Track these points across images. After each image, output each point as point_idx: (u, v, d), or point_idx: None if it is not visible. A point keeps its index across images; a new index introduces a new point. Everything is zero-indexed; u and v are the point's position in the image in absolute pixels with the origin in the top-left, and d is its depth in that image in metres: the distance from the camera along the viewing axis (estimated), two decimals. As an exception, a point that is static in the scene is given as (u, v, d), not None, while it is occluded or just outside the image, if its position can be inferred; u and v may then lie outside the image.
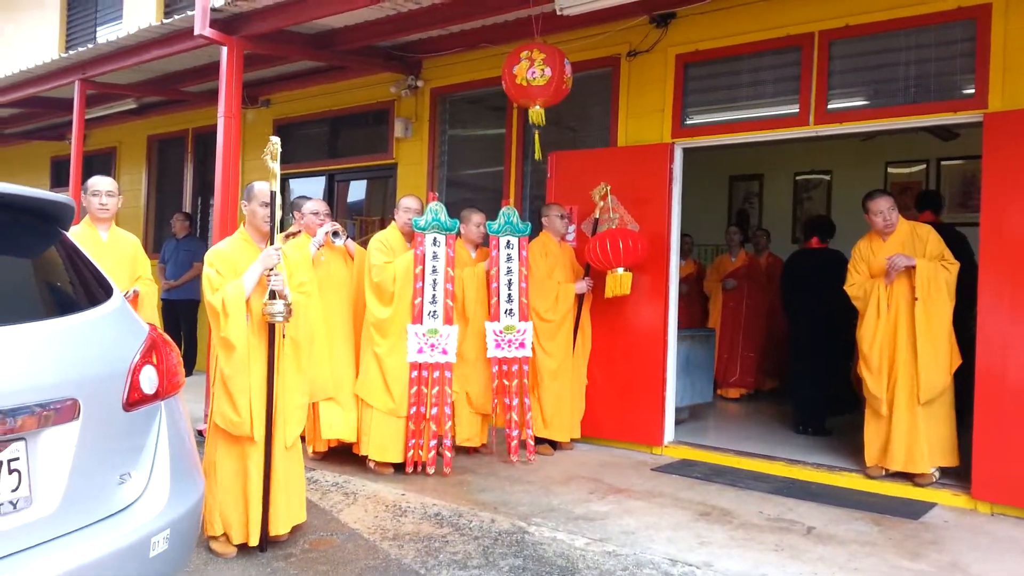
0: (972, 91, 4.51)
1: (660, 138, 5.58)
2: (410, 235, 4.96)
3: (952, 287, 4.58)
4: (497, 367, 5.15)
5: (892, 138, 8.07)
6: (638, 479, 4.90)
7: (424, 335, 4.79)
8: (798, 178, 9.74)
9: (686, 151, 5.59)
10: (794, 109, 5.09)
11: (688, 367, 6.10)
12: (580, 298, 5.60)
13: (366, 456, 4.87)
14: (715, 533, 3.90)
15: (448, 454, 4.86)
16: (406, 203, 5.07)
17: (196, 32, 5.62)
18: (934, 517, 4.28)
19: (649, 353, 5.57)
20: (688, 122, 5.55)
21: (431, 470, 4.78)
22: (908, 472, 4.67)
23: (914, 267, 4.58)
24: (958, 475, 4.63)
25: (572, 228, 5.85)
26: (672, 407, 5.68)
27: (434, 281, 4.85)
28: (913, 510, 4.37)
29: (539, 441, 5.54)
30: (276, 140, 3.55)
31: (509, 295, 5.18)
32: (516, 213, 5.23)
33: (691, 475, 5.03)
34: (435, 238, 4.86)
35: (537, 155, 5.34)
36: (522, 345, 5.19)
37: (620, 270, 5.28)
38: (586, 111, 6.07)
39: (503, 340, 5.14)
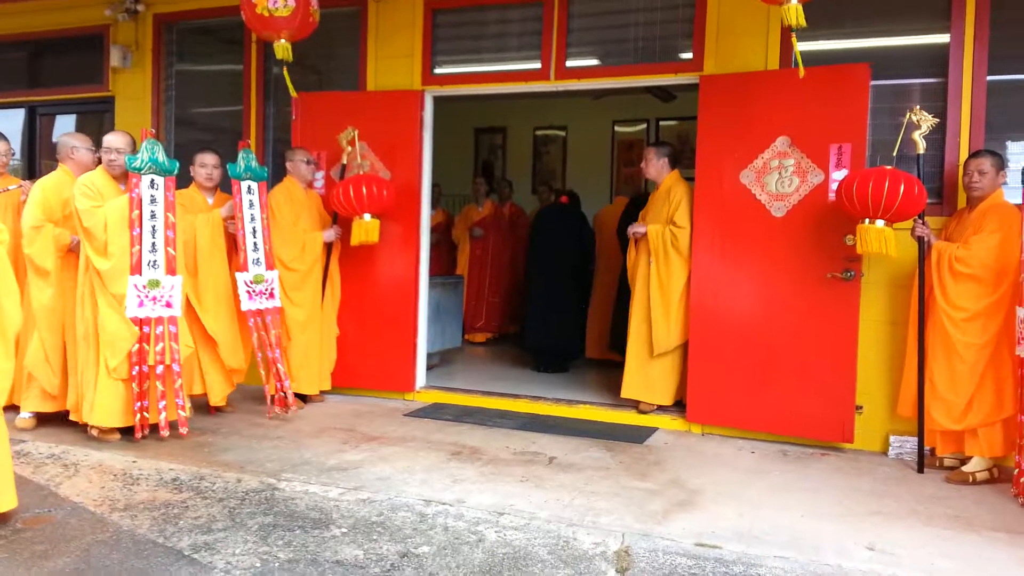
0: (691, 55, 4.96)
1: (410, 85, 5.51)
2: (121, 177, 4.48)
3: (682, 249, 4.94)
4: (254, 320, 4.88)
5: (619, 98, 8.72)
6: (391, 426, 4.92)
7: (144, 287, 4.35)
8: (537, 132, 10.21)
9: (436, 100, 5.58)
10: (536, 64, 5.27)
11: (439, 314, 6.20)
12: (329, 247, 5.43)
13: (88, 424, 4.38)
14: (466, 471, 4.04)
15: (182, 414, 4.49)
16: (108, 140, 4.48)
17: None
18: (656, 440, 4.78)
19: (401, 301, 5.57)
20: (438, 70, 5.54)
21: (165, 433, 4.42)
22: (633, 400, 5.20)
23: (645, 234, 5.00)
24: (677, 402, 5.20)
25: (320, 175, 5.62)
26: (424, 353, 5.76)
27: (153, 228, 4.39)
28: (639, 435, 4.85)
29: (289, 396, 5.36)
30: None
31: (255, 243, 4.91)
32: (253, 156, 4.92)
33: (442, 418, 5.16)
34: (152, 179, 4.40)
35: (292, 92, 5.04)
36: (272, 295, 4.99)
37: (367, 217, 5.18)
38: (333, 52, 5.82)
39: (255, 291, 4.88)
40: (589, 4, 5.18)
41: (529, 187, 9.89)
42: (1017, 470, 3.83)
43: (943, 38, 4.49)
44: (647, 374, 5.12)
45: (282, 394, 4.98)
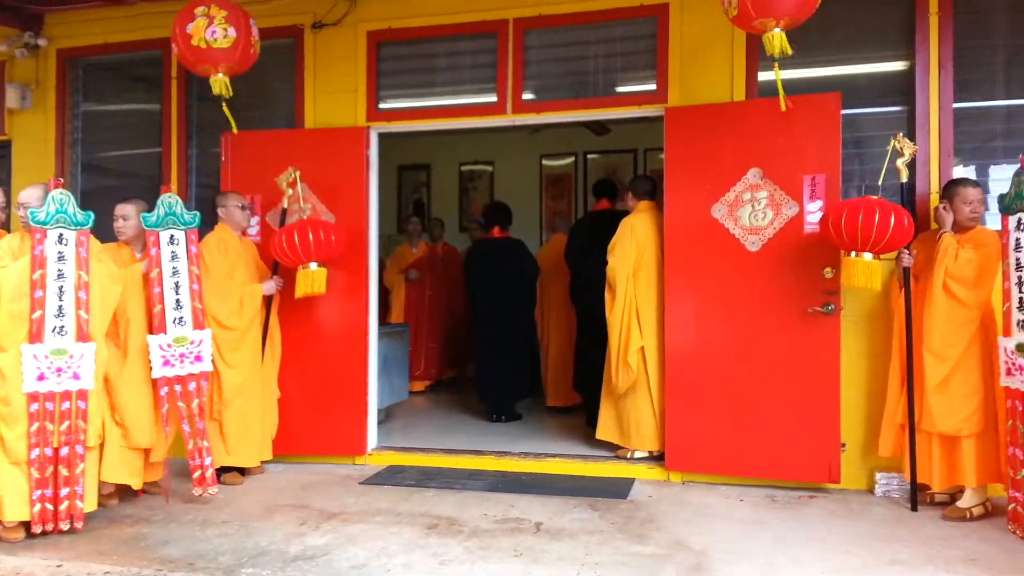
0: (654, 87, 4.77)
1: (354, 121, 5.11)
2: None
3: (610, 282, 4.88)
4: (167, 388, 4.26)
5: (548, 131, 8.54)
6: (350, 498, 4.43)
7: (47, 357, 3.77)
8: (463, 168, 9.92)
9: (382, 136, 5.20)
10: (492, 98, 4.98)
11: (387, 365, 5.75)
12: (268, 300, 4.92)
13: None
14: (450, 547, 3.62)
15: (80, 504, 3.82)
16: (23, 196, 4.00)
17: None
18: (639, 493, 4.48)
19: (349, 355, 5.10)
20: (383, 105, 5.17)
21: (79, 524, 3.80)
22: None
23: None
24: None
25: (255, 220, 5.13)
26: (375, 411, 5.29)
27: (60, 289, 3.83)
28: (619, 489, 4.54)
29: (225, 470, 4.77)
30: None
31: (178, 301, 4.32)
32: (179, 202, 4.37)
33: (404, 483, 4.70)
34: (61, 234, 3.86)
35: (233, 128, 4.57)
36: (199, 359, 4.35)
37: (313, 266, 4.73)
38: (264, 87, 5.34)
39: (173, 355, 4.26)
40: (546, 35, 4.94)
41: (456, 225, 9.58)
42: (1014, 505, 3.72)
43: (908, 66, 4.47)
44: (619, 417, 4.93)
45: (202, 473, 4.33)
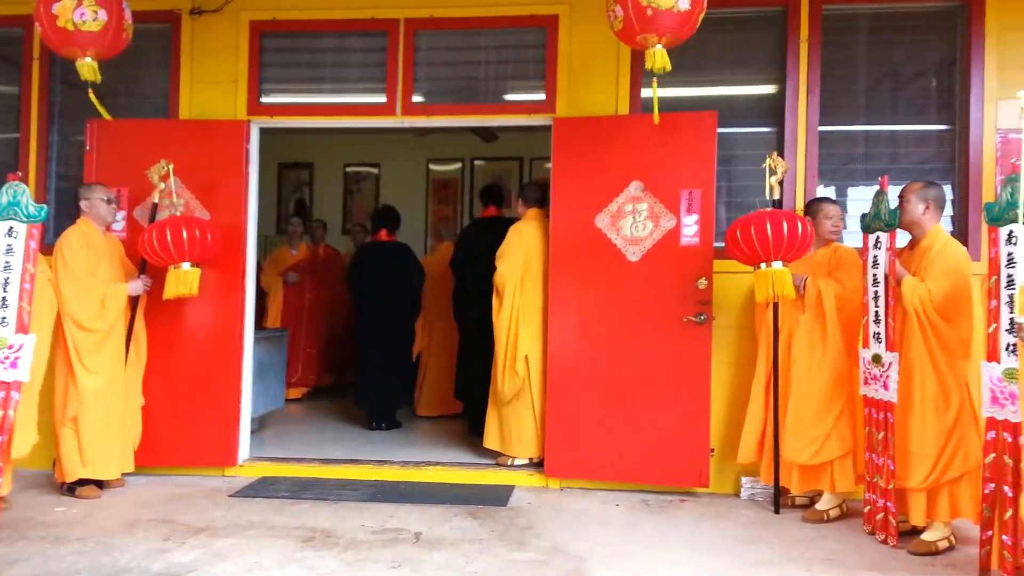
0: (543, 96, 4.82)
1: (233, 114, 4.89)
2: None
3: (499, 289, 4.90)
4: None
5: (435, 136, 8.50)
6: (219, 511, 4.21)
7: None
8: (348, 170, 9.73)
9: (263, 131, 5.00)
10: (381, 98, 4.88)
11: (262, 372, 5.52)
12: (134, 301, 4.62)
13: None
14: (327, 560, 3.50)
15: None
16: None
17: None
18: (519, 500, 4.49)
19: (222, 361, 4.86)
20: (266, 99, 4.97)
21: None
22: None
23: None
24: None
25: (121, 215, 4.81)
26: (248, 419, 5.07)
27: None
28: (499, 496, 4.53)
29: (81, 483, 4.45)
30: None
31: (4, 299, 3.93)
32: (26, 192, 3.99)
33: (277, 495, 4.52)
34: None
35: (104, 115, 4.26)
36: (15, 365, 3.89)
37: (186, 266, 4.48)
38: (136, 73, 5.02)
39: None
40: (438, 38, 4.89)
41: (340, 227, 9.38)
42: (870, 507, 3.95)
43: (779, 89, 4.71)
44: (503, 424, 4.92)
45: None
